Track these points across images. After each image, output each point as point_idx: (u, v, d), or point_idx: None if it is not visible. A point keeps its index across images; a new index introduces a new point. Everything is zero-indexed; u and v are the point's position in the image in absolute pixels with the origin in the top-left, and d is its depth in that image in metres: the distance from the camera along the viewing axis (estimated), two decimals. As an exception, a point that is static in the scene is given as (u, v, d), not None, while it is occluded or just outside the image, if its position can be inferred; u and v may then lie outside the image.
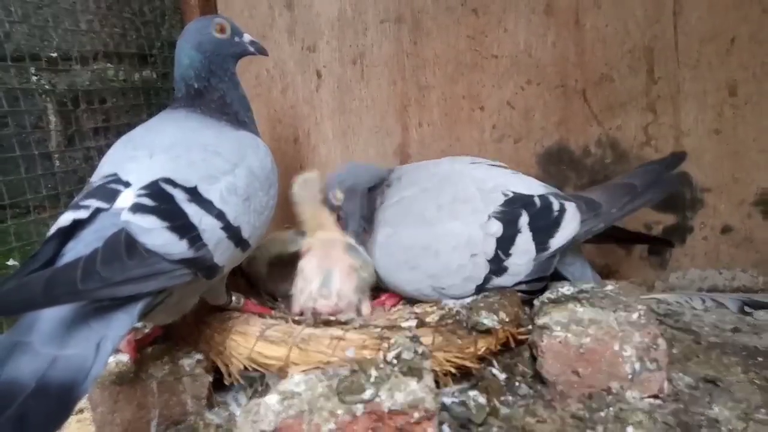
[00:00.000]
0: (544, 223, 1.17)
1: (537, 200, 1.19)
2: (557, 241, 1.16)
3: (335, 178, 1.33)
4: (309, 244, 1.22)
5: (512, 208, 1.17)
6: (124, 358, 0.97)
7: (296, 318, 1.12)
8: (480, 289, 1.16)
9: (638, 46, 1.45)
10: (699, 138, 1.45)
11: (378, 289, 1.25)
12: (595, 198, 1.23)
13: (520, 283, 1.18)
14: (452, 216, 1.17)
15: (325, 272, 1.16)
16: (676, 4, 1.42)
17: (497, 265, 1.14)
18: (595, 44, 1.47)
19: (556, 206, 1.18)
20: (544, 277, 1.19)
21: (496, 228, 1.15)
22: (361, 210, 1.28)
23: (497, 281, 1.16)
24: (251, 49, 1.16)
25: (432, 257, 1.16)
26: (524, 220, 1.15)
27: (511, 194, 1.19)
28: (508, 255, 1.14)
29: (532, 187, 1.24)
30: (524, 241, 1.15)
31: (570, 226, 1.17)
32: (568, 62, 1.48)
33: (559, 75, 1.49)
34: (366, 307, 1.17)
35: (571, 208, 1.19)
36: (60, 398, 0.64)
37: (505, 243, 1.14)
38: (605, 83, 1.47)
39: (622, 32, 1.45)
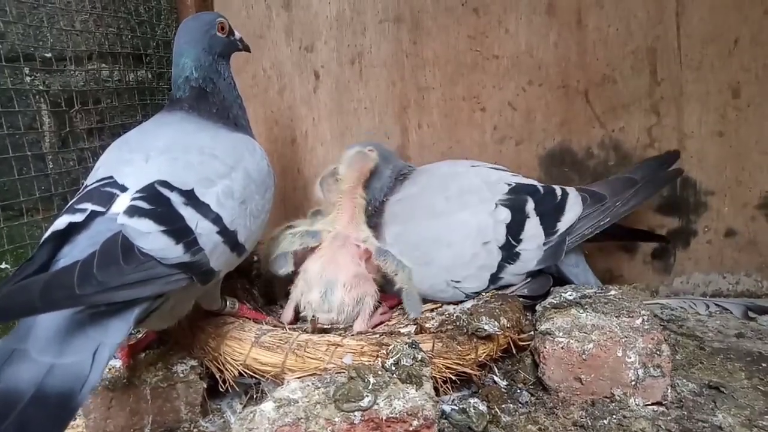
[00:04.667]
0: (550, 208, 1.21)
1: (540, 188, 1.24)
2: (563, 224, 1.20)
3: (366, 143, 1.32)
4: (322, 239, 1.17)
5: (518, 195, 1.21)
6: (117, 363, 0.95)
7: (292, 326, 1.10)
8: (495, 278, 1.17)
9: (641, 47, 1.44)
10: (702, 140, 1.44)
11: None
12: (598, 190, 1.27)
13: (531, 274, 1.20)
14: (461, 206, 1.20)
15: (327, 283, 1.11)
16: (679, 5, 1.41)
17: (509, 252, 1.17)
18: (597, 45, 1.45)
19: (558, 192, 1.24)
20: (549, 277, 1.20)
21: (505, 215, 1.18)
22: (387, 186, 1.26)
23: (511, 269, 1.18)
24: (240, 45, 1.17)
25: (445, 249, 1.17)
26: (530, 206, 1.20)
27: (514, 184, 1.23)
28: (518, 241, 1.18)
29: (533, 181, 1.29)
30: (533, 226, 1.19)
31: (574, 209, 1.22)
32: (570, 63, 1.47)
33: (561, 76, 1.48)
34: (360, 323, 1.11)
35: (572, 192, 1.25)
36: (58, 407, 0.64)
37: (514, 229, 1.18)
38: (608, 84, 1.46)
39: (624, 33, 1.44)
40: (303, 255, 1.17)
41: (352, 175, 1.22)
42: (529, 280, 1.21)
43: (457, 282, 1.17)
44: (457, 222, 1.18)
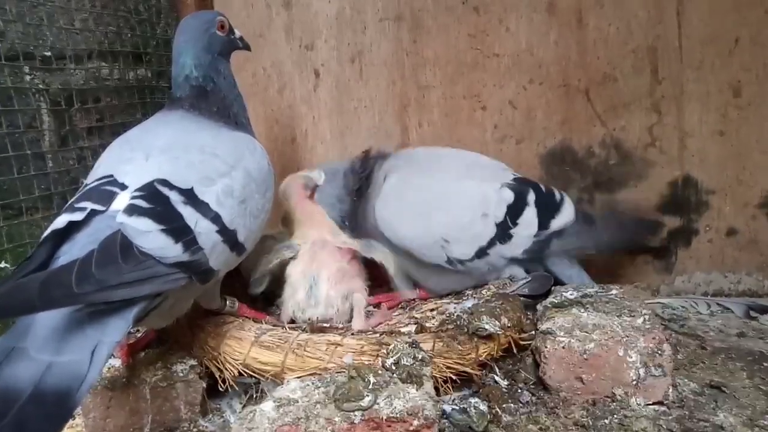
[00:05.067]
0: (548, 204, 1.26)
1: (541, 186, 1.28)
2: (557, 222, 1.24)
3: (318, 165, 1.38)
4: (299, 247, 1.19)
5: (521, 184, 1.25)
6: (117, 362, 0.95)
7: (291, 326, 1.10)
8: (481, 251, 1.19)
9: (641, 46, 1.43)
10: (703, 139, 1.44)
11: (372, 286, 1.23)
12: (590, 212, 1.35)
13: (514, 261, 1.22)
14: (469, 175, 1.25)
15: (311, 279, 1.13)
16: (679, 5, 1.41)
17: (503, 231, 1.20)
18: (598, 44, 1.45)
19: (557, 194, 1.29)
20: (550, 276, 1.22)
21: (508, 195, 1.22)
22: (346, 188, 1.27)
23: (498, 248, 1.21)
24: (241, 44, 1.17)
25: (444, 208, 1.20)
26: (531, 197, 1.24)
27: (519, 176, 1.29)
28: (515, 224, 1.21)
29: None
30: (530, 215, 1.22)
31: (567, 212, 1.26)
32: (570, 62, 1.47)
33: (561, 74, 1.47)
34: (359, 322, 1.12)
35: (567, 199, 1.29)
36: (57, 405, 0.64)
37: (514, 211, 1.21)
38: (609, 83, 1.46)
39: (625, 32, 1.44)
40: (283, 266, 1.18)
41: (291, 198, 1.25)
42: (529, 278, 1.22)
43: (447, 242, 1.18)
44: (464, 187, 1.23)
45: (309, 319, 1.10)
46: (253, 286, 1.18)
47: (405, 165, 1.26)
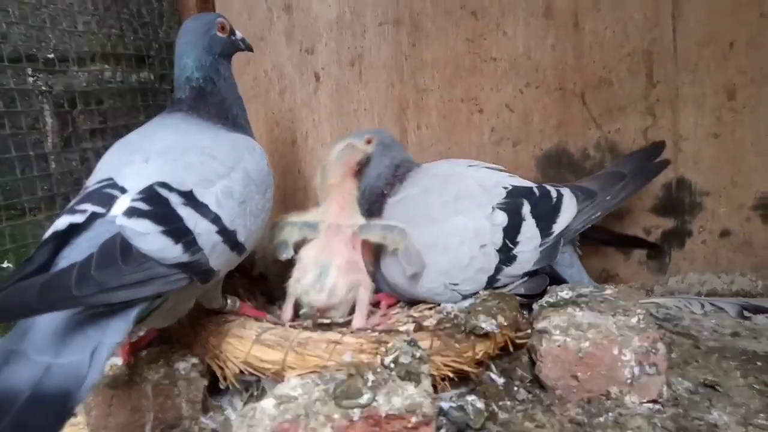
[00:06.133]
0: (545, 210, 1.23)
1: (536, 190, 1.26)
2: (559, 225, 1.22)
3: (368, 130, 1.37)
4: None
5: (514, 198, 1.22)
6: (118, 361, 0.96)
7: (292, 324, 1.11)
8: (492, 280, 1.19)
9: (637, 50, 1.45)
10: (698, 142, 1.45)
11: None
12: (589, 186, 1.30)
13: (526, 274, 1.21)
14: (457, 211, 1.21)
15: (322, 265, 1.14)
16: (675, 8, 1.42)
17: (506, 254, 1.19)
18: (594, 47, 1.46)
19: (553, 193, 1.26)
20: (546, 276, 1.22)
21: (502, 218, 1.20)
22: (386, 174, 1.28)
23: (507, 271, 1.20)
24: (242, 45, 1.18)
25: (442, 253, 1.18)
26: (526, 208, 1.22)
27: (511, 187, 1.25)
28: (515, 243, 1.19)
29: (528, 183, 1.31)
30: (529, 228, 1.21)
31: (569, 210, 1.24)
32: (567, 65, 1.48)
33: (558, 78, 1.49)
34: (359, 320, 1.13)
35: (567, 193, 1.27)
36: (56, 407, 0.64)
37: (511, 232, 1.19)
38: (604, 86, 1.47)
39: (621, 36, 1.45)
40: (300, 245, 1.20)
41: (337, 171, 1.24)
42: (525, 279, 1.22)
43: (455, 285, 1.18)
44: (454, 226, 1.19)
45: (315, 309, 1.11)
46: (279, 251, 1.20)
47: (398, 214, 1.24)
